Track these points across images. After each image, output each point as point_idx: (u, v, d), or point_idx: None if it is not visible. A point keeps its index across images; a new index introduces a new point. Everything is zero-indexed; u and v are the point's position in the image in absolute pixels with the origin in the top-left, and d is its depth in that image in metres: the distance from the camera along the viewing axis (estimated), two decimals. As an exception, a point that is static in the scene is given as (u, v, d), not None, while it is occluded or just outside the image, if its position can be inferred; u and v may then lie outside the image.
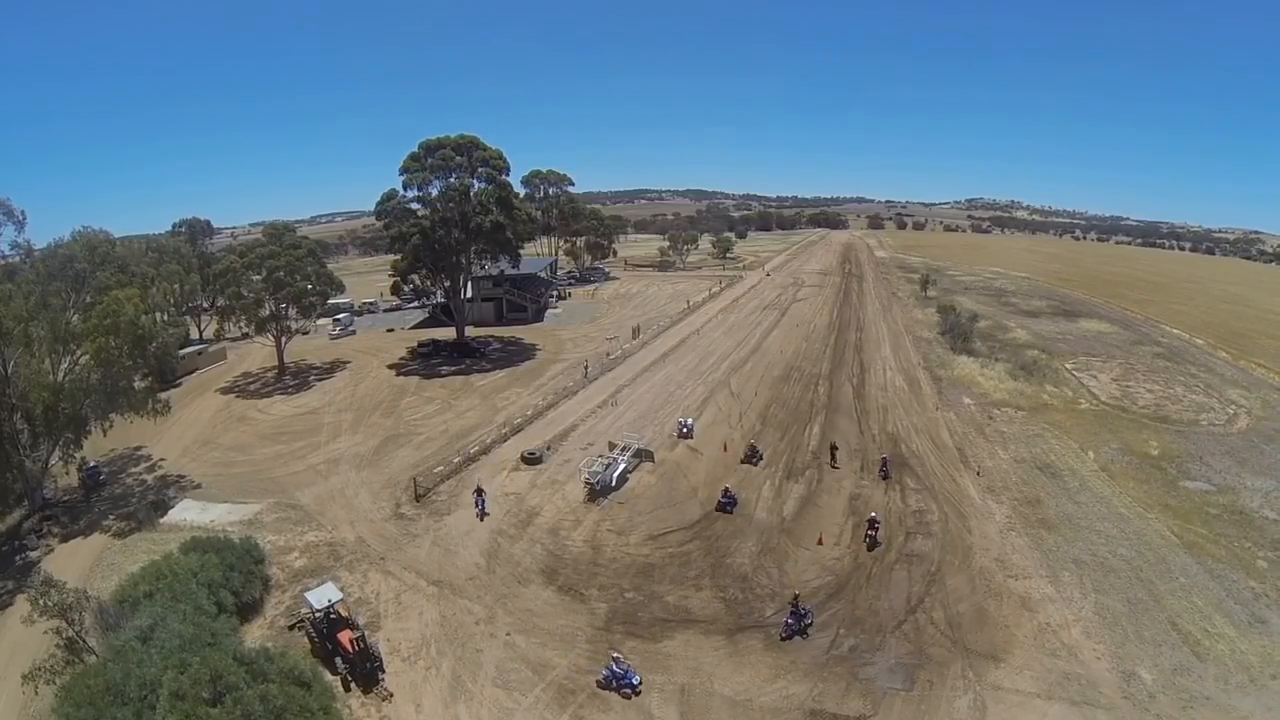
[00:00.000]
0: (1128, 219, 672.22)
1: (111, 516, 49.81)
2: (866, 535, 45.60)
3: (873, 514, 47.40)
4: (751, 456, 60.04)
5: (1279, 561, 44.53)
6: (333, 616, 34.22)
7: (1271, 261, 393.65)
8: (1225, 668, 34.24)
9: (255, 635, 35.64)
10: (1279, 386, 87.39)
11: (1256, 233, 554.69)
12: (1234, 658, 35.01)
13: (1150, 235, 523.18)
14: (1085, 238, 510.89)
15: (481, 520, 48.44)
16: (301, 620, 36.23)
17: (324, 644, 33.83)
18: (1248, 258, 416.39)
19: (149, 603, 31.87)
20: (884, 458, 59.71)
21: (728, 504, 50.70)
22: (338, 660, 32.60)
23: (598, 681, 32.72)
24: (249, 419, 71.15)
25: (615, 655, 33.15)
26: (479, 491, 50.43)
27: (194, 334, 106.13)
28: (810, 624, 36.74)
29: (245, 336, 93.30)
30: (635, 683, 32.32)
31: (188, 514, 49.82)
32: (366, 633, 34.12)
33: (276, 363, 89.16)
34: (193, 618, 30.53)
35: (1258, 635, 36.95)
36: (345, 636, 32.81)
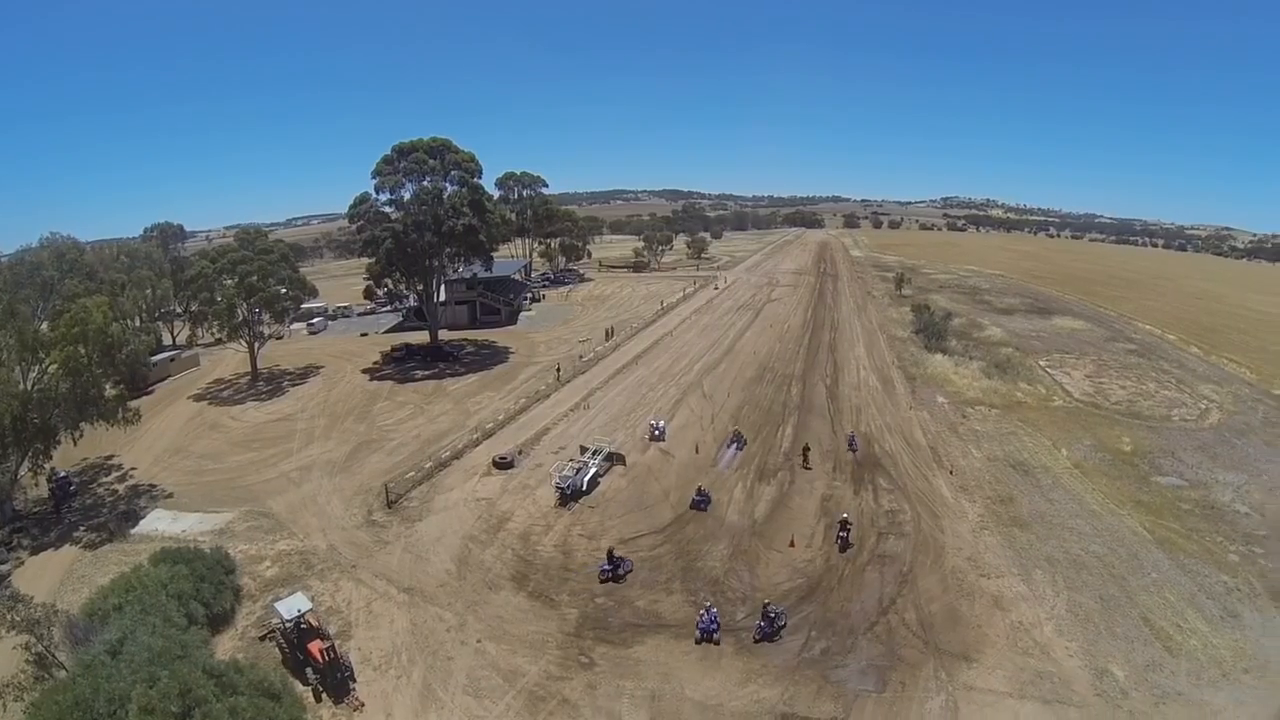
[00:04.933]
0: (1101, 217, 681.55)
1: (82, 528, 49.53)
2: (838, 537, 46.08)
3: (844, 515, 47.93)
4: (736, 441, 62.26)
5: (1251, 556, 45.56)
6: (303, 626, 34.20)
7: (1242, 258, 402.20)
8: (1198, 663, 34.94)
9: (226, 647, 35.65)
10: (1250, 381, 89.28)
11: (1228, 229, 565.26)
12: (1206, 653, 35.75)
13: (1123, 233, 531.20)
14: (1059, 235, 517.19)
15: None
16: (272, 631, 36.25)
17: (294, 654, 33.85)
18: (1219, 254, 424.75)
19: (118, 616, 31.91)
20: (850, 434, 62.90)
21: (701, 502, 51.55)
22: (308, 671, 32.62)
23: None
24: (221, 426, 70.87)
25: None
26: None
27: (166, 340, 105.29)
28: (783, 626, 37.18)
29: (218, 342, 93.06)
30: None
31: (159, 524, 49.68)
32: (337, 642, 34.25)
33: (249, 369, 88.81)
34: (162, 630, 30.63)
35: (1230, 630, 37.76)
36: (315, 647, 32.81)
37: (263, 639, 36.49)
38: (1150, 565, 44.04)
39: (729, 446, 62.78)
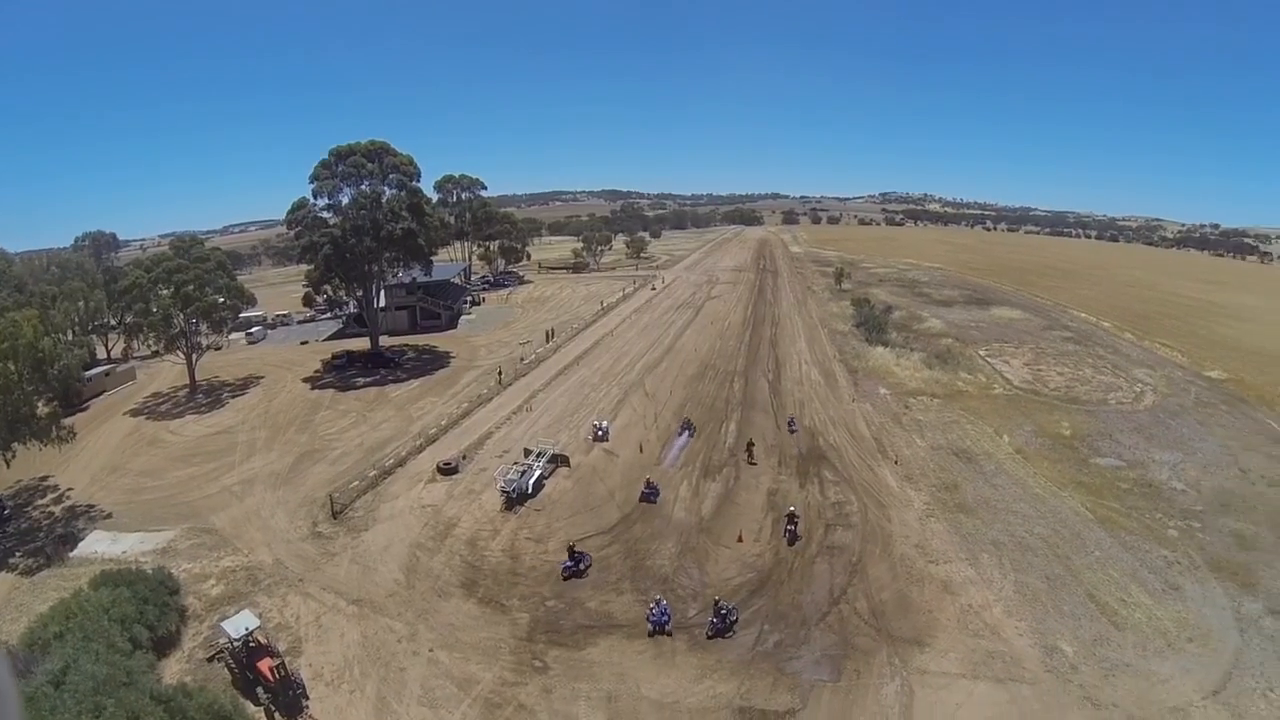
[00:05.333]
0: (1036, 210, 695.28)
1: (18, 554, 48.26)
2: (786, 530, 47.01)
3: (791, 508, 48.89)
4: (686, 429, 64.43)
5: (1189, 530, 47.87)
6: (251, 645, 33.96)
7: (1172, 247, 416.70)
8: (1143, 635, 36.69)
9: (173, 670, 35.22)
10: (1182, 365, 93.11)
11: (1157, 220, 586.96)
12: (1151, 625, 37.56)
13: (1058, 224, 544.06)
14: (996, 228, 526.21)
15: None
16: (220, 651, 35.86)
17: (244, 674, 33.61)
18: (1150, 244, 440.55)
19: (60, 644, 31.29)
20: (790, 418, 66.05)
21: (650, 494, 52.69)
22: (259, 690, 32.43)
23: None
24: (160, 441, 69.56)
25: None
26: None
27: (101, 354, 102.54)
28: (735, 621, 37.83)
29: (155, 355, 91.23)
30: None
31: (98, 546, 48.65)
32: (287, 659, 34.16)
33: (188, 381, 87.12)
34: (106, 657, 30.17)
35: (1172, 602, 39.70)
36: (265, 665, 32.61)
37: (211, 660, 36.11)
38: (1093, 544, 45.93)
39: (679, 434, 64.61)
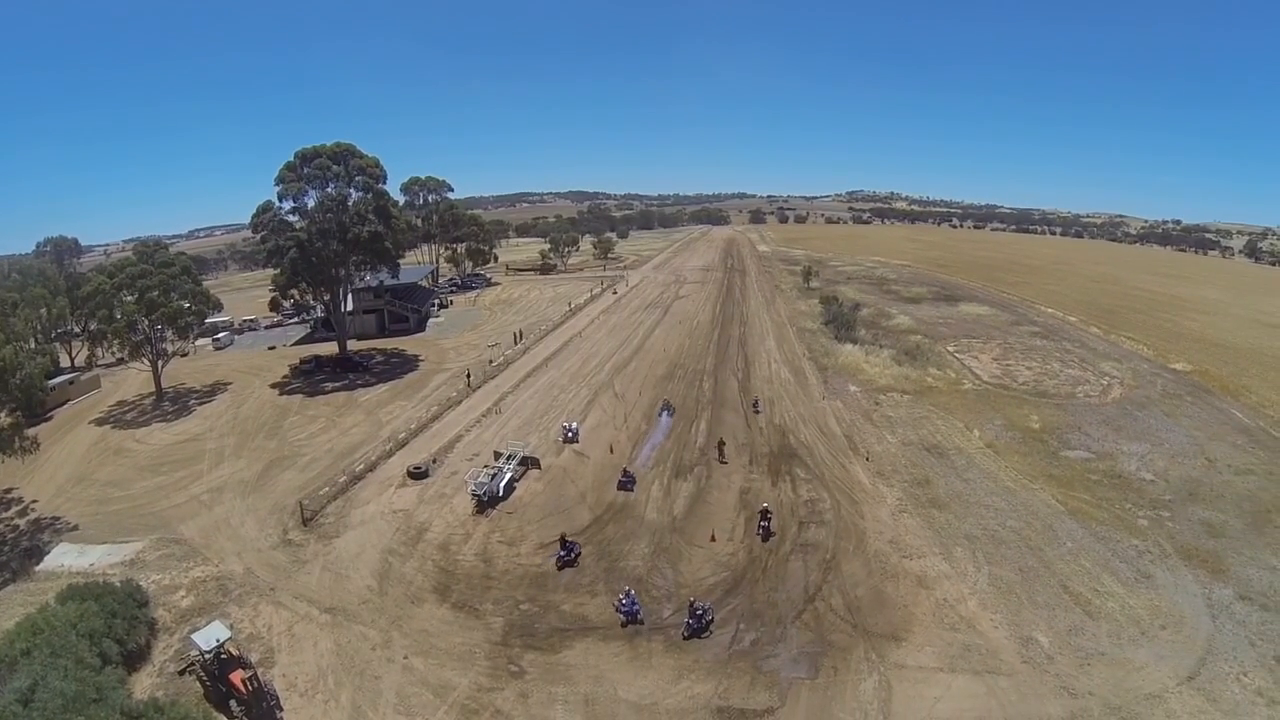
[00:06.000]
0: (1002, 207, 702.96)
1: (-18, 569, 47.43)
2: (760, 527, 47.50)
3: (764, 505, 49.42)
4: (665, 409, 67.90)
5: (1159, 519, 48.98)
6: (223, 657, 33.68)
7: (1135, 243, 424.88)
8: (1117, 623, 37.55)
9: (144, 685, 34.78)
10: (1148, 357, 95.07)
11: (1121, 216, 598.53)
12: (1124, 613, 38.44)
13: (1023, 221, 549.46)
14: (962, 225, 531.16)
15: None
16: (191, 664, 35.54)
17: (216, 687, 33.33)
18: (1114, 240, 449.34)
19: (27, 661, 30.81)
20: (755, 399, 69.52)
21: (627, 483, 54.03)
22: (232, 703, 32.19)
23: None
24: (127, 450, 68.52)
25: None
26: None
27: (65, 362, 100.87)
28: (711, 621, 38.06)
29: (120, 362, 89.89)
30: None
31: (65, 559, 47.90)
32: (260, 670, 33.94)
33: (154, 388, 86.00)
34: (75, 673, 29.83)
35: (1144, 590, 40.66)
36: (237, 677, 32.33)
37: (182, 673, 35.72)
38: (1065, 535, 46.83)
39: (660, 414, 68.14)
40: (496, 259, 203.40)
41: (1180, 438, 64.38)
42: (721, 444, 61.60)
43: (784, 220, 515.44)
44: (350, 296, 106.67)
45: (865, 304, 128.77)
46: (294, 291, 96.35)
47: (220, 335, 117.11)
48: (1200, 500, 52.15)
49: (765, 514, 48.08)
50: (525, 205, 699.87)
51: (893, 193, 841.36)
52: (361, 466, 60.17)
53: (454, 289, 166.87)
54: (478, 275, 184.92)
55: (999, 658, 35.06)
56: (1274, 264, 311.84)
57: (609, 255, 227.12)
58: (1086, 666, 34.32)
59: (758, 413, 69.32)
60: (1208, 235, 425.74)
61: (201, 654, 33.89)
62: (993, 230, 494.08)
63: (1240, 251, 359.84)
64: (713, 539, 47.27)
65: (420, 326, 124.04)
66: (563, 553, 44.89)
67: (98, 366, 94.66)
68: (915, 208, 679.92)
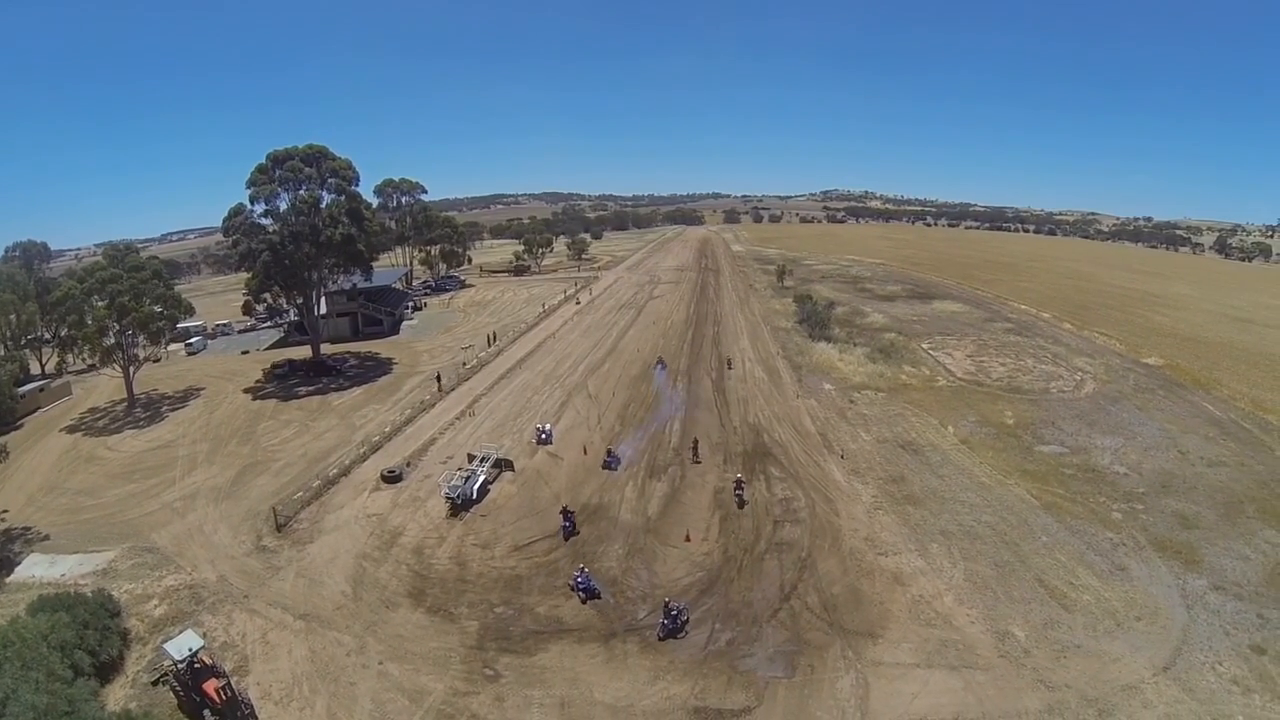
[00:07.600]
0: (976, 205, 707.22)
1: (-50, 581, 46.85)
2: (735, 494, 49.52)
3: (739, 475, 51.20)
4: (660, 365, 73.43)
5: (1133, 512, 49.76)
6: (196, 666, 33.33)
7: (1107, 240, 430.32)
8: (1092, 616, 38.13)
9: (117, 696, 34.61)
10: (1120, 352, 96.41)
11: (1093, 214, 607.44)
12: (1099, 605, 39.03)
13: (997, 219, 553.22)
14: (936, 224, 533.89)
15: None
16: (165, 674, 35.24)
17: (190, 697, 33.02)
18: (1086, 237, 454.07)
19: (-3, 674, 30.73)
20: (727, 358, 77.21)
21: (611, 463, 56.19)
22: (206, 713, 31.90)
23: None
24: (98, 458, 67.94)
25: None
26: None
27: (34, 369, 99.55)
28: (686, 621, 38.20)
29: (91, 369, 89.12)
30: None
31: (36, 569, 47.49)
32: (234, 679, 33.76)
33: (125, 395, 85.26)
34: (47, 686, 29.65)
35: (1119, 582, 41.32)
36: (211, 686, 32.03)
37: (155, 684, 35.47)
38: (1040, 529, 47.44)
39: (655, 369, 75.38)
40: (471, 261, 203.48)
41: (1153, 431, 65.38)
42: (696, 443, 61.77)
43: (759, 220, 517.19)
44: (324, 300, 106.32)
45: (839, 302, 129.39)
46: (267, 295, 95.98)
47: (193, 340, 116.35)
48: (1173, 492, 53.03)
49: (740, 484, 49.78)
50: (500, 207, 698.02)
51: (867, 192, 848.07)
52: (335, 471, 60.05)
53: (428, 291, 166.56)
54: (452, 277, 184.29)
55: (975, 652, 35.47)
56: (1243, 260, 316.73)
57: (583, 256, 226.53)
58: (1063, 659, 34.81)
59: (730, 369, 77.40)
60: (1179, 232, 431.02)
61: (174, 664, 33.55)
62: (967, 228, 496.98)
63: (1210, 248, 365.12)
64: (687, 539, 47.34)
65: (394, 329, 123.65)
66: (566, 524, 47.69)
67: (68, 373, 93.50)
68: (890, 206, 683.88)
